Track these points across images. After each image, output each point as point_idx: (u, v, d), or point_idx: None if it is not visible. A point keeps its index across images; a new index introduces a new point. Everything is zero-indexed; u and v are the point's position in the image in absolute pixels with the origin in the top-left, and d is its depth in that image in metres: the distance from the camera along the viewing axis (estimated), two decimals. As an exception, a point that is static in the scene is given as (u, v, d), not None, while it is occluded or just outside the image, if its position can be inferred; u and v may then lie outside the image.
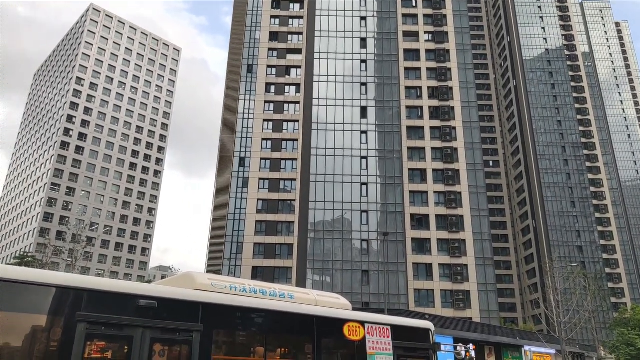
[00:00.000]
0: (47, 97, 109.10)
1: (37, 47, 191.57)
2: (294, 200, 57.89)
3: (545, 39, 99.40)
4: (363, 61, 64.00)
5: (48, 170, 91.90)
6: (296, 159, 59.63)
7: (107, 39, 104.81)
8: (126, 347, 6.37)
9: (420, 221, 56.96)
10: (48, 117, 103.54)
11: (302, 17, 66.41)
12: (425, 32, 64.95)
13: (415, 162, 59.10)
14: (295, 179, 58.76)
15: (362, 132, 60.64)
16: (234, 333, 7.89)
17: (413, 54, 64.03)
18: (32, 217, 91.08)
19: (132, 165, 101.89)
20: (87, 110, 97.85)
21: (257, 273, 54.40)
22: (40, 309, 5.97)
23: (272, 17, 66.76)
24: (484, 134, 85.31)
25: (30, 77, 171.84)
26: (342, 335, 8.77)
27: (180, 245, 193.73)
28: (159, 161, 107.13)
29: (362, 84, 62.98)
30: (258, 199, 58.16)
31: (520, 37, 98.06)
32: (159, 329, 6.61)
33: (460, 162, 59.03)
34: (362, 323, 9.04)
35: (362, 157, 59.42)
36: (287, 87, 63.62)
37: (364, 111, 61.65)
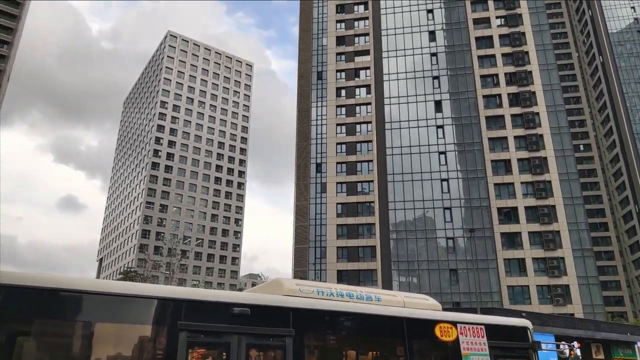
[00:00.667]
0: (137, 122, 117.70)
1: (121, 76, 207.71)
2: (373, 202, 57.65)
3: (633, 7, 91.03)
4: (433, 54, 62.46)
5: (142, 190, 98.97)
6: (372, 161, 59.41)
7: (185, 62, 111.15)
8: (224, 354, 6.70)
9: (508, 214, 54.30)
10: (139, 140, 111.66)
11: (367, 18, 66.26)
12: (497, 17, 62.10)
13: (498, 153, 56.51)
14: (372, 181, 58.54)
15: (438, 126, 59.09)
16: (324, 337, 8.00)
17: (485, 41, 61.46)
18: (132, 234, 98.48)
19: (217, 180, 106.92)
20: (172, 131, 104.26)
21: (342, 277, 54.73)
22: (145, 320, 6.43)
23: (337, 21, 67.27)
24: (570, 117, 79.60)
25: (118, 104, 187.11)
26: (434, 337, 8.59)
27: (266, 252, 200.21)
28: (241, 173, 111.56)
29: (434, 77, 61.45)
30: (337, 203, 58.62)
31: (603, 9, 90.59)
32: (253, 335, 6.87)
33: (547, 149, 55.60)
34: (454, 323, 8.80)
35: (440, 153, 57.86)
36: (357, 90, 63.70)
37: (438, 105, 60.09)
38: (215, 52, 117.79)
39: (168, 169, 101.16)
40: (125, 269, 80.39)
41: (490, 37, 61.35)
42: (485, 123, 57.80)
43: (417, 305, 9.04)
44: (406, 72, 62.30)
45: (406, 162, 58.04)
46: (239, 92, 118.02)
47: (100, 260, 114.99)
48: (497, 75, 59.67)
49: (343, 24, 67.14)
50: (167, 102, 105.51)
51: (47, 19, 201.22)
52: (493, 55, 60.55)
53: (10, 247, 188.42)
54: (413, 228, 55.87)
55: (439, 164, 57.33)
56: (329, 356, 7.93)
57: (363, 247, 56.40)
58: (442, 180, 56.69)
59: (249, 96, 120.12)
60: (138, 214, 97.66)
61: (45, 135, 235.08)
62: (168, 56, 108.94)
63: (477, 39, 61.54)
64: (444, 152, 57.85)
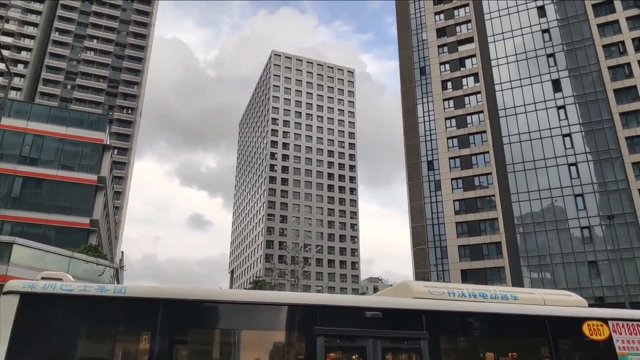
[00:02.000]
0: (252, 140, 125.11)
1: (228, 99, 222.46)
2: (493, 196, 54.72)
3: None
4: (545, 31, 57.82)
5: (263, 204, 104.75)
6: (487, 152, 56.51)
7: (290, 78, 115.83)
8: (361, 358, 6.84)
9: (654, 195, 48.09)
10: (255, 157, 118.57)
11: (467, 5, 63.54)
12: (617, -22, 55.69)
13: (634, 129, 50.36)
14: (490, 173, 55.63)
15: (559, 107, 54.43)
16: (459, 339, 7.80)
17: (605, 7, 55.34)
18: (257, 245, 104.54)
19: (330, 187, 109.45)
20: (285, 145, 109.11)
21: (467, 276, 52.58)
22: (283, 327, 6.81)
23: (435, 13, 65.43)
24: None
25: (229, 126, 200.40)
26: (582, 335, 7.91)
27: (381, 256, 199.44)
28: (352, 179, 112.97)
29: (549, 55, 56.82)
30: (454, 200, 56.61)
31: None
32: (388, 339, 6.93)
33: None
34: (605, 320, 8.03)
35: (564, 135, 53.20)
36: (464, 80, 61.22)
37: (556, 84, 55.39)
38: (317, 64, 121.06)
39: (284, 181, 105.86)
40: (255, 278, 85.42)
41: (610, 2, 55.18)
42: (614, 97, 51.95)
43: (559, 302, 8.41)
44: (516, 54, 58.44)
45: (526, 149, 54.25)
46: (342, 100, 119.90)
47: (232, 272, 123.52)
48: (622, 42, 53.38)
49: (442, 15, 65.09)
50: (278, 119, 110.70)
51: (162, 56, 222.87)
52: (616, 21, 54.32)
53: (152, 264, 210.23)
54: (541, 220, 51.91)
55: (564, 147, 52.71)
56: (466, 358, 7.70)
57: (487, 244, 53.71)
58: (570, 165, 52.01)
59: (352, 102, 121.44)
60: (261, 226, 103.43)
61: (171, 161, 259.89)
62: (274, 75, 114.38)
63: (594, 6, 55.70)
64: (568, 135, 53.09)
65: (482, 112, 58.39)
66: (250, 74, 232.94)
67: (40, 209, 36.07)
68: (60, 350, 5.62)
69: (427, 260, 59.22)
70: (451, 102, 60.92)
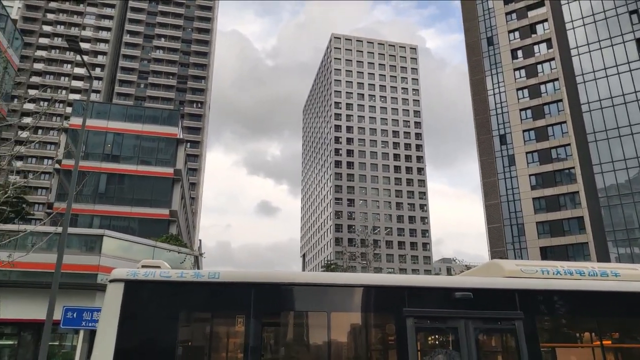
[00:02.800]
0: (316, 126, 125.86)
1: (286, 86, 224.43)
2: (573, 168, 51.50)
3: None
4: (626, -15, 52.99)
5: (330, 188, 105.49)
6: (565, 122, 53.14)
7: (351, 60, 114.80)
8: (453, 338, 6.66)
9: None
10: (320, 142, 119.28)
11: (535, -34, 59.52)
12: None
13: None
14: (568, 144, 52.36)
15: (645, 68, 49.92)
16: (557, 319, 7.38)
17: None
18: (327, 229, 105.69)
19: (397, 168, 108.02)
20: (349, 129, 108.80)
21: (547, 253, 50.17)
22: (371, 308, 6.76)
23: (501, -22, 61.93)
24: None
25: (291, 113, 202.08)
26: None
27: (452, 235, 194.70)
28: (419, 159, 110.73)
29: (631, 12, 52.04)
30: (530, 175, 53.97)
31: None
32: (480, 319, 6.70)
33: None
34: None
35: (652, 99, 48.84)
36: (535, 47, 57.72)
37: (641, 44, 50.80)
38: (378, 44, 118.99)
39: (350, 165, 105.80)
40: (326, 262, 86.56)
41: None
42: None
43: None
44: (593, 14, 54.07)
45: (609, 116, 50.36)
46: (406, 78, 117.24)
47: (304, 256, 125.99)
48: None
49: (508, -20, 61.51)
50: (340, 103, 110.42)
51: (222, 50, 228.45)
52: None
53: (226, 251, 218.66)
54: (628, 191, 48.21)
55: (652, 111, 48.44)
56: (565, 338, 7.29)
57: (568, 220, 50.86)
58: (660, 130, 47.77)
59: (416, 79, 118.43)
60: (329, 210, 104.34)
61: (238, 151, 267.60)
62: (335, 58, 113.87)
63: (685, -49, 50.25)
64: (657, 97, 48.66)
65: (557, 79, 54.86)
66: (307, 59, 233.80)
67: (124, 202, 38.48)
68: (163, 333, 5.94)
69: (502, 238, 57.08)
70: (522, 71, 57.75)
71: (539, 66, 56.77)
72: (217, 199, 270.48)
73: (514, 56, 58.71)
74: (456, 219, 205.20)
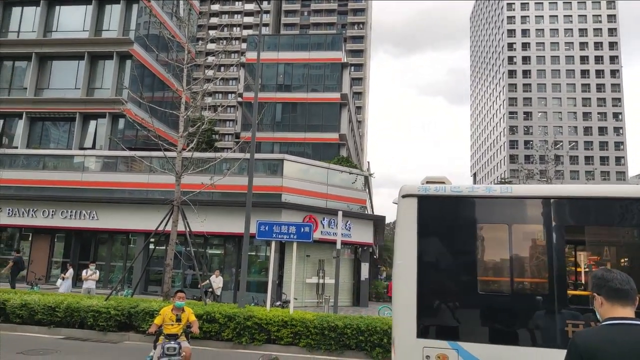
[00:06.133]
0: (486, 33, 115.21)
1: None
2: None
3: None
4: None
5: (503, 101, 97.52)
6: None
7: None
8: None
9: None
10: (491, 51, 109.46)
11: None
12: None
13: None
14: None
15: None
16: None
17: None
18: (500, 146, 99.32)
19: (584, 73, 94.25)
20: (524, 32, 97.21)
21: None
22: (538, 220, 6.12)
23: None
24: None
25: (456, 23, 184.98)
26: None
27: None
28: (613, 59, 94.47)
29: None
30: None
31: None
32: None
33: None
34: None
35: None
36: None
37: None
38: None
39: (526, 73, 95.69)
40: (500, 180, 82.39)
41: None
42: None
43: None
44: None
45: None
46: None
47: (474, 175, 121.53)
48: None
49: None
50: (514, 2, 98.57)
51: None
52: None
53: (390, 172, 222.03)
54: None
55: None
56: None
57: None
58: None
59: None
60: (503, 125, 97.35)
61: (397, 70, 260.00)
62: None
63: None
64: None
65: None
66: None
67: (298, 129, 41.25)
68: (461, 246, 6.13)
69: None
70: None
71: None
72: (382, 122, 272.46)
73: None
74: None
